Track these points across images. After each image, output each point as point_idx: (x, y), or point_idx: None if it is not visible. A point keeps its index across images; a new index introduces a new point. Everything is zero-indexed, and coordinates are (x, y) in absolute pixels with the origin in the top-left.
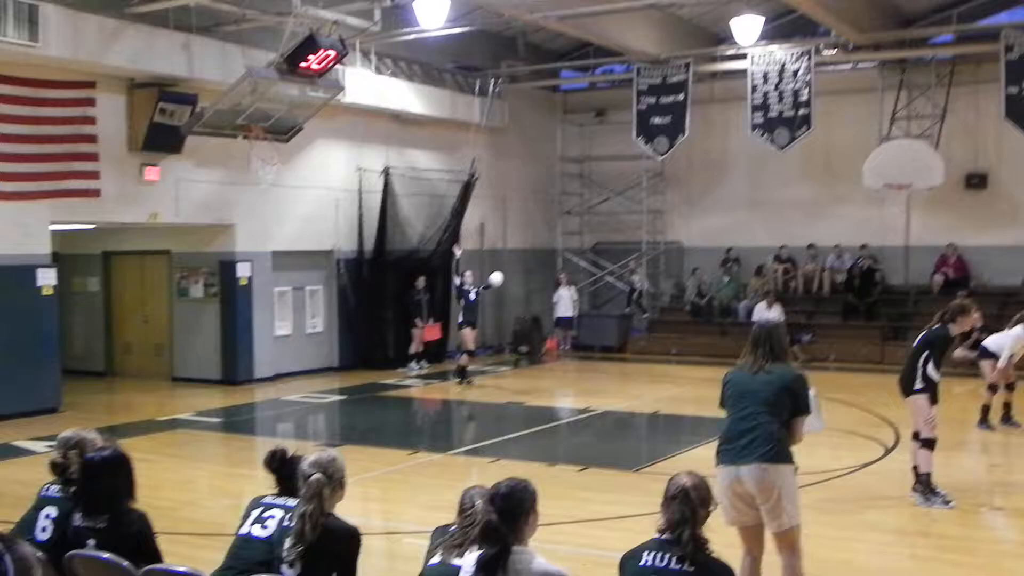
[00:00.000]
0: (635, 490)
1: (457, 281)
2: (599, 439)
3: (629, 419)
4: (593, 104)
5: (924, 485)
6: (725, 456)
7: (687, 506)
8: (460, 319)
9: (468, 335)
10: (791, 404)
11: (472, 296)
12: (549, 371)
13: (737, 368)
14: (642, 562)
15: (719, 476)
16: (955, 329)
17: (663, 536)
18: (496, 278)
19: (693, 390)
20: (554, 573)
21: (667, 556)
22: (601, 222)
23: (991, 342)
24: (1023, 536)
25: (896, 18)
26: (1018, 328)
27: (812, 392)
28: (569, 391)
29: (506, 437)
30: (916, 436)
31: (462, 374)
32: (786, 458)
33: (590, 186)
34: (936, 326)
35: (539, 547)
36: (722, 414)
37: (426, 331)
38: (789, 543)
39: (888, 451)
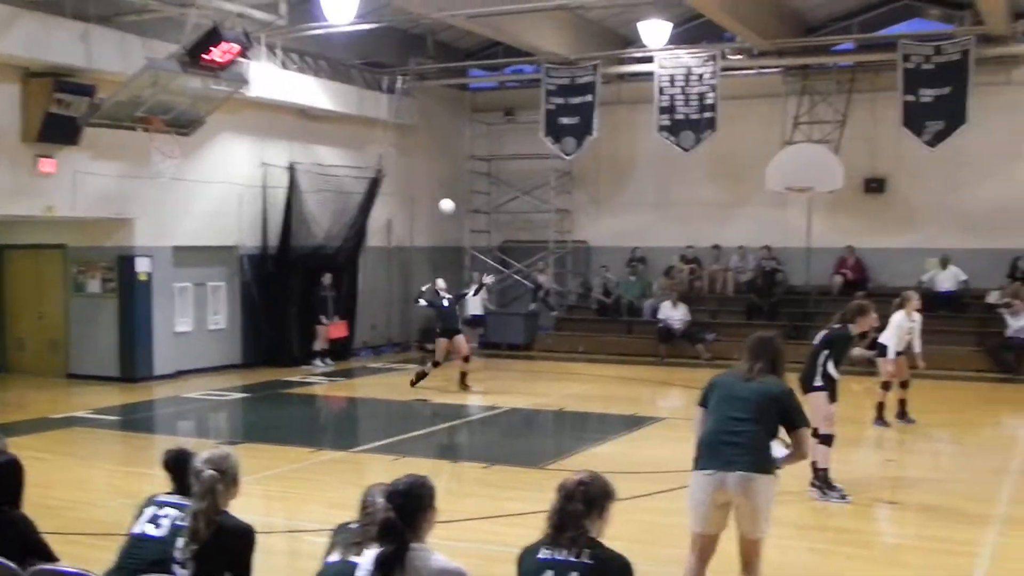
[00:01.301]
0: (539, 487)
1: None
2: (505, 436)
3: (535, 416)
4: (502, 103)
5: (822, 481)
6: (709, 462)
7: (580, 503)
8: (437, 328)
9: (442, 344)
10: (781, 417)
11: (445, 303)
12: (456, 369)
13: (728, 372)
14: (539, 555)
15: (698, 482)
16: (855, 329)
17: (556, 532)
18: (446, 205)
19: (599, 388)
20: (452, 570)
21: (563, 550)
22: (508, 221)
23: (884, 338)
24: (917, 529)
25: (799, 26)
26: (897, 315)
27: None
28: (476, 389)
29: (411, 435)
30: (815, 433)
31: (419, 377)
32: (771, 468)
33: (498, 185)
34: (837, 326)
35: (442, 544)
36: (633, 411)
37: (331, 328)
38: (757, 551)
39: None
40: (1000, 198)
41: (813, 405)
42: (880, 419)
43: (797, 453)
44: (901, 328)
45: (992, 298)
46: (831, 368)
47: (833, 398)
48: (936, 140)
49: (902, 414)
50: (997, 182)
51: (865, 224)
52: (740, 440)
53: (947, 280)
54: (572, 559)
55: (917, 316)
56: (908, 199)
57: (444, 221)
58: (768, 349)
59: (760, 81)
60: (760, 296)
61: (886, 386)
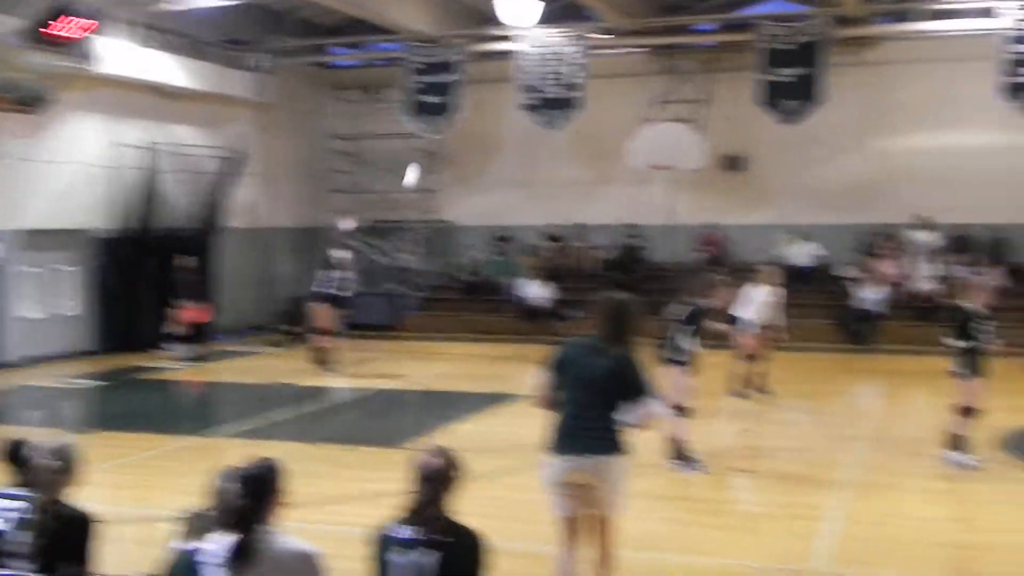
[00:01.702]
0: (399, 466)
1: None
2: (368, 417)
3: (399, 397)
4: (365, 82)
5: (680, 452)
6: (563, 447)
7: (429, 480)
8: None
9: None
10: (627, 390)
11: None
12: (319, 351)
13: (576, 344)
14: (392, 534)
15: (555, 466)
16: (708, 303)
17: (412, 511)
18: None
19: (463, 367)
20: (304, 552)
21: (415, 528)
22: (372, 201)
23: (742, 311)
24: (771, 496)
25: (662, 5)
26: (755, 289)
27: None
28: (341, 370)
29: (273, 418)
30: (676, 406)
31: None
32: (624, 449)
33: (361, 164)
34: (691, 300)
35: (299, 528)
36: (495, 389)
37: (188, 312)
38: (612, 529)
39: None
40: (854, 175)
41: (672, 378)
42: (739, 391)
43: (644, 421)
44: (760, 302)
45: (844, 272)
46: (687, 342)
47: (692, 371)
48: (793, 118)
49: (759, 386)
50: (851, 159)
51: (727, 201)
52: (595, 425)
53: (804, 255)
54: (424, 537)
55: (776, 290)
56: (767, 176)
57: (306, 201)
58: (617, 313)
59: (625, 60)
60: (623, 273)
61: (750, 358)
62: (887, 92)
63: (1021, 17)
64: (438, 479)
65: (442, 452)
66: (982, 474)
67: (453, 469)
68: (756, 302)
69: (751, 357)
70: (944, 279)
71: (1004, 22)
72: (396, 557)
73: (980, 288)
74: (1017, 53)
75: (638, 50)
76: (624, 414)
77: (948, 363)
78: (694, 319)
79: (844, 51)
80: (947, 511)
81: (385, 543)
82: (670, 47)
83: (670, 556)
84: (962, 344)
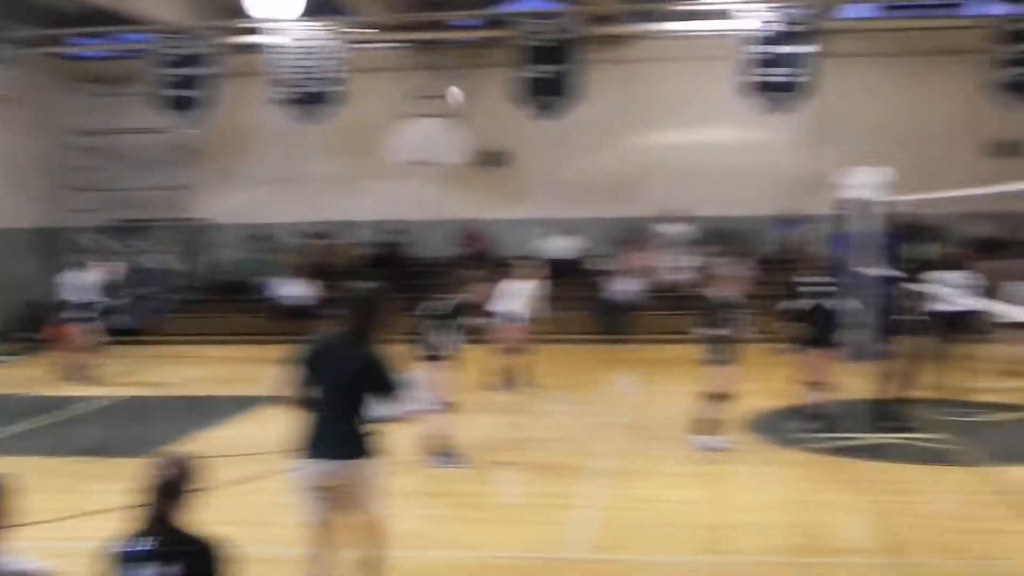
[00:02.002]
0: (141, 477)
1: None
2: (119, 427)
3: (153, 404)
4: (112, 74)
5: (440, 447)
6: (313, 450)
7: (167, 492)
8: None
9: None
10: (377, 386)
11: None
12: (65, 358)
13: (324, 341)
14: (127, 547)
15: (305, 470)
16: (464, 298)
17: (148, 522)
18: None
19: (220, 370)
20: (31, 571)
21: (154, 540)
22: (121, 199)
23: (502, 305)
24: (531, 488)
25: (423, 0)
26: (513, 283)
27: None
28: (91, 378)
29: (12, 431)
30: (435, 401)
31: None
32: (374, 451)
33: (109, 160)
34: (448, 296)
35: (34, 546)
36: (250, 391)
37: None
38: (379, 531)
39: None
40: (612, 170)
41: (431, 374)
42: (501, 384)
43: (398, 418)
44: (521, 295)
45: (600, 265)
46: (448, 337)
47: (450, 367)
48: (551, 115)
49: (523, 379)
50: (609, 155)
51: (488, 196)
52: (345, 427)
53: (564, 249)
54: (161, 548)
55: (538, 284)
56: (528, 172)
57: (46, 200)
58: (364, 307)
59: (385, 55)
60: (386, 269)
61: (510, 352)
62: (642, 90)
63: (757, 19)
64: (172, 489)
65: (176, 461)
66: (733, 456)
67: (187, 477)
68: (517, 296)
69: (511, 351)
70: (696, 270)
71: (743, 23)
72: (134, 571)
73: (731, 278)
74: (753, 54)
75: (399, 45)
76: (377, 410)
77: (699, 351)
78: (453, 314)
79: (601, 49)
80: (699, 493)
81: (121, 558)
82: (430, 43)
83: (431, 553)
84: (713, 332)
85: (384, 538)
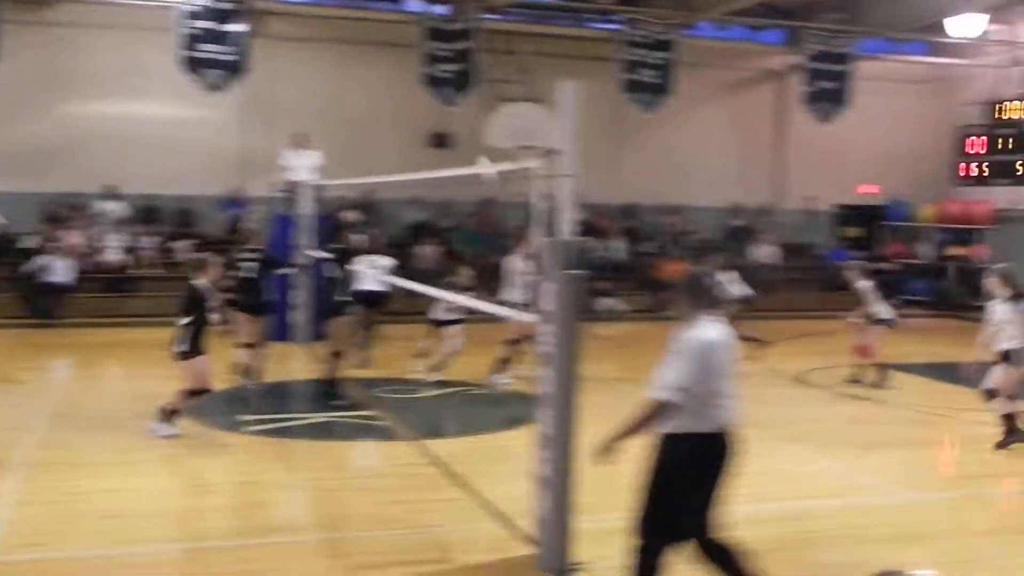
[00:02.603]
0: None
1: None
2: None
3: None
4: None
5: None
6: None
7: None
8: None
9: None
10: None
11: None
12: None
13: None
14: None
15: None
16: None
17: None
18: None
19: None
20: None
21: None
22: None
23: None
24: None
25: None
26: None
27: None
28: None
29: None
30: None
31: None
32: None
33: None
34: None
35: None
36: None
37: None
38: None
39: None
40: (36, 139)
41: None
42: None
43: None
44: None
45: (27, 243)
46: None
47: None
48: None
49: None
50: (33, 123)
51: None
52: None
53: None
54: None
55: None
56: None
57: None
58: None
59: None
60: None
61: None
62: (71, 56)
63: None
64: None
65: None
66: (175, 443)
67: None
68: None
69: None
70: (131, 250)
71: None
72: None
73: (212, 265)
74: (194, 28)
75: None
76: None
77: (175, 341)
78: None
79: (23, 9)
80: (132, 482)
81: None
82: None
83: None
84: (186, 321)
85: None
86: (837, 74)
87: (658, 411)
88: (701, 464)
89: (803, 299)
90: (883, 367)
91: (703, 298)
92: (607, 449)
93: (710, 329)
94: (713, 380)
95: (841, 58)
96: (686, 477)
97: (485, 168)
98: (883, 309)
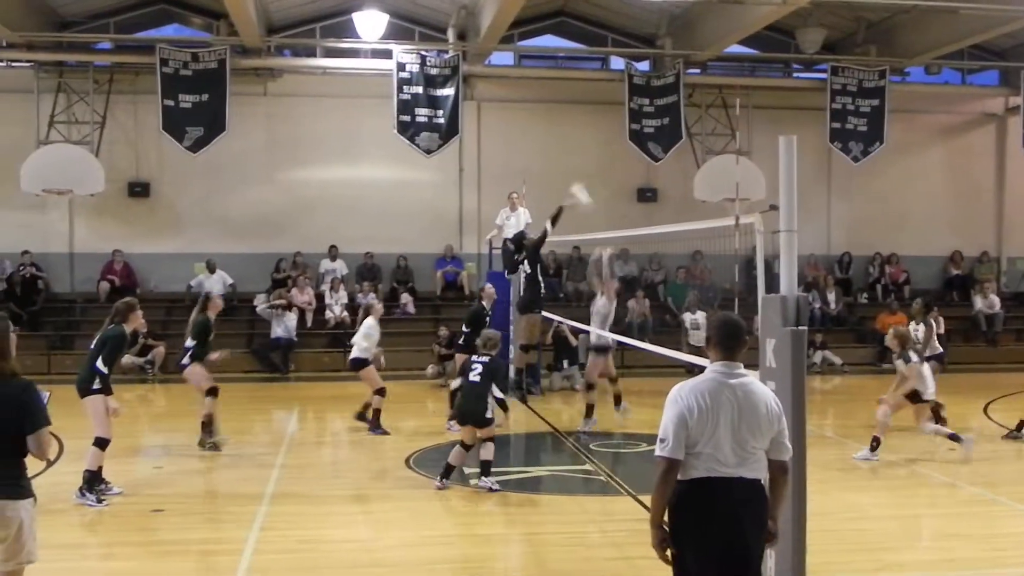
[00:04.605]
0: None
1: None
2: None
3: None
4: None
5: (89, 483)
6: None
7: None
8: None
9: None
10: (23, 418)
11: None
12: None
13: None
14: None
15: None
16: (127, 327)
17: None
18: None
19: None
20: None
21: None
22: None
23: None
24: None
25: (52, 20)
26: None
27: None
28: None
29: None
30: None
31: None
32: (25, 492)
33: None
34: (111, 326)
35: None
36: None
37: None
38: None
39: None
40: (263, 204)
41: (92, 408)
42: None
43: (37, 454)
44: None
45: (258, 302)
46: (102, 366)
47: (108, 393)
48: (197, 146)
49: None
50: (260, 189)
51: (132, 229)
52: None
53: (216, 284)
54: None
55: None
56: (174, 204)
57: None
58: None
59: (10, 75)
60: (20, 305)
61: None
62: (294, 125)
63: (409, 61)
64: None
65: None
66: (408, 494)
67: None
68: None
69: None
70: (351, 306)
71: (394, 64)
72: None
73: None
74: (406, 94)
75: (24, 65)
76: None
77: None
78: (111, 342)
79: (249, 81)
80: (350, 533)
81: None
82: (61, 63)
83: None
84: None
85: None
86: None
87: None
88: None
89: None
90: None
91: None
92: None
93: None
94: None
95: None
96: None
97: (580, 194)
98: None
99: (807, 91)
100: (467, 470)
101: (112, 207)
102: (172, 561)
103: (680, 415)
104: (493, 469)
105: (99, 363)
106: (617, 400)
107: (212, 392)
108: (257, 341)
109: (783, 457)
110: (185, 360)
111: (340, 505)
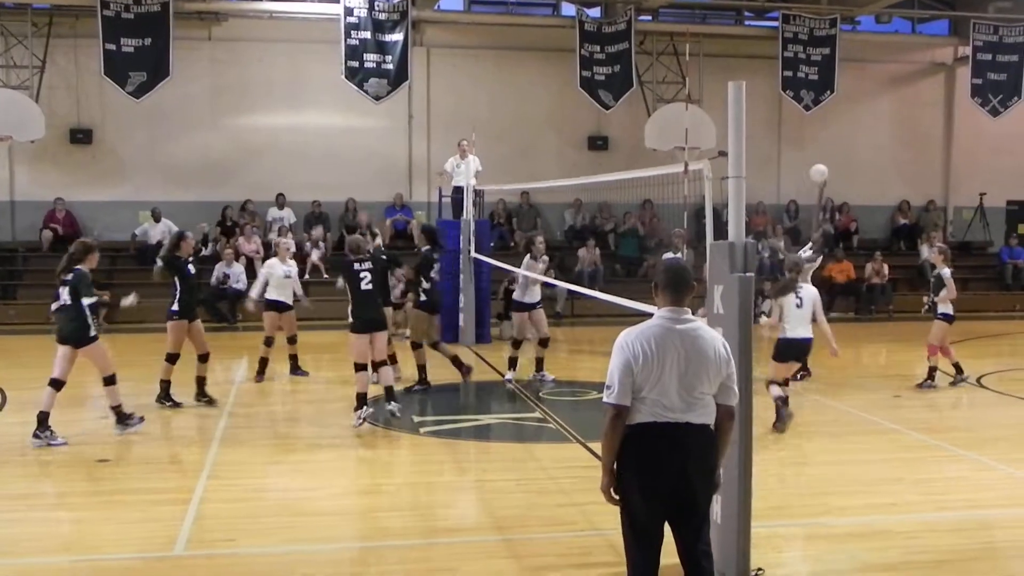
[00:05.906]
0: None
1: None
2: None
3: None
4: None
5: (120, 417)
6: None
7: None
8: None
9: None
10: None
11: None
12: None
13: None
14: None
15: None
16: (85, 267)
17: None
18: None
19: None
20: None
21: None
22: None
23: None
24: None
25: None
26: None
27: None
28: None
29: None
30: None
31: None
32: None
33: None
34: (74, 269)
35: None
36: None
37: None
38: None
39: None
40: (206, 151)
41: (94, 354)
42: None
43: None
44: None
45: (206, 251)
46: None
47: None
48: (141, 92)
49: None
50: (203, 136)
51: (74, 176)
52: None
53: (159, 233)
54: None
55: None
56: (117, 151)
57: None
58: None
59: None
60: None
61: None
62: (240, 70)
63: (357, 5)
64: None
65: None
66: (357, 442)
67: None
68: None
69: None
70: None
71: (343, 8)
72: None
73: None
74: (353, 39)
75: None
76: None
77: None
78: (82, 283)
79: (194, 26)
80: (301, 481)
81: None
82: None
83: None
84: None
85: None
86: (1006, 65)
87: None
88: None
89: (975, 300)
90: None
91: None
92: None
93: None
94: None
95: (1011, 48)
96: None
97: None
98: None
99: (759, 39)
100: (416, 418)
101: (53, 154)
102: (121, 510)
103: (626, 362)
104: (441, 417)
105: (86, 308)
106: (539, 365)
107: (204, 358)
108: (204, 291)
109: (730, 402)
110: (174, 307)
111: (288, 454)
